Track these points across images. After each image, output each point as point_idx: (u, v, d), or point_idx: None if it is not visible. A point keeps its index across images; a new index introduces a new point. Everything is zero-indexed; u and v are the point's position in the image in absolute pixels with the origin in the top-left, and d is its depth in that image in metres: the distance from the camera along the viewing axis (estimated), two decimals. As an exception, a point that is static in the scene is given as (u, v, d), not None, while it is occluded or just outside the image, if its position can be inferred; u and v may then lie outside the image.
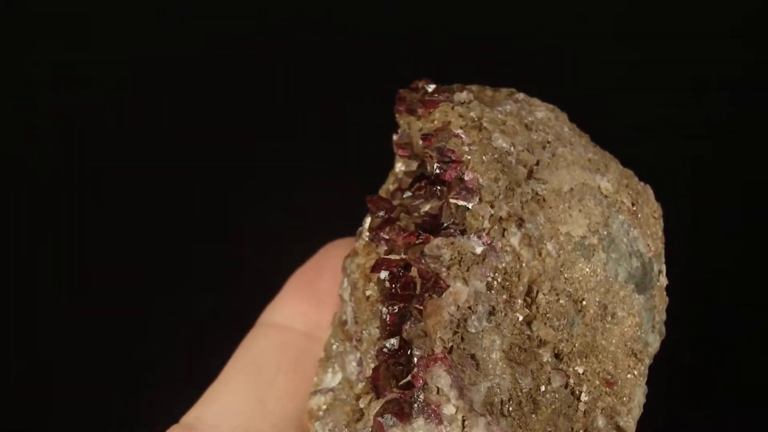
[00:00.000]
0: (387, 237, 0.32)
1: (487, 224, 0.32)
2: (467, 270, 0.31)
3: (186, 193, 0.64)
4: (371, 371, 0.31)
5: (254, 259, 0.59)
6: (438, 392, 0.30)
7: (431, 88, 0.35)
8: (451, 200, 0.32)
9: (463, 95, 0.35)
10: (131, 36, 0.68)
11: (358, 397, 0.32)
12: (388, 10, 0.40)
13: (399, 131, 0.35)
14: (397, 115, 0.36)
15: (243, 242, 0.55)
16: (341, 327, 0.35)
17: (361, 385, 0.32)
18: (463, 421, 0.30)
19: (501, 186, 0.33)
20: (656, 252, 0.35)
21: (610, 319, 0.33)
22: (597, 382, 0.33)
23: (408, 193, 0.34)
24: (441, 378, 0.30)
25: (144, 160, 0.65)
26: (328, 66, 0.63)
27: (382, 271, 0.31)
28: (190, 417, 0.37)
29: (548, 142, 0.35)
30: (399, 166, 0.35)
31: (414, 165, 0.34)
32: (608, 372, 0.33)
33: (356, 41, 0.53)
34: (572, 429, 0.32)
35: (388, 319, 0.31)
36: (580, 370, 0.32)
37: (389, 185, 0.35)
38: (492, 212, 0.32)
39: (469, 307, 0.31)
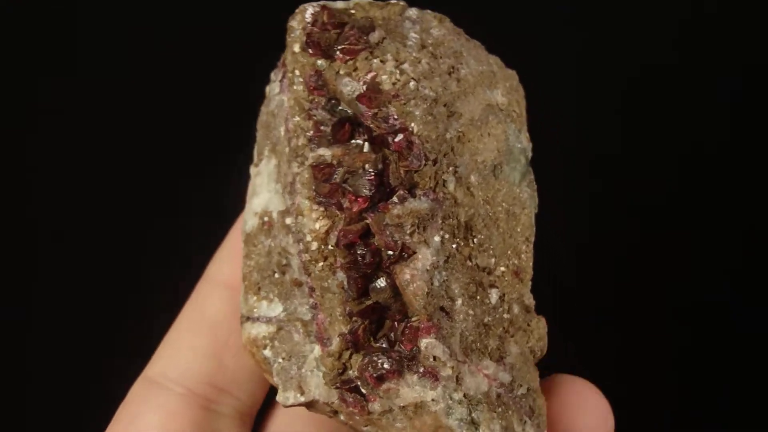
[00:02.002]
0: (335, 201, 0.33)
1: (432, 182, 0.34)
2: (424, 230, 0.33)
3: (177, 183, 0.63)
4: (348, 331, 0.33)
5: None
6: (434, 359, 0.32)
7: (337, 26, 0.35)
8: (402, 168, 0.33)
9: (376, 35, 0.35)
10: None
11: (339, 354, 0.33)
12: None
13: (312, 73, 0.35)
14: (303, 52, 0.35)
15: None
16: (279, 268, 0.36)
17: (336, 341, 0.33)
18: (457, 376, 0.33)
19: (439, 140, 0.34)
20: (528, 138, 0.37)
21: (513, 219, 0.36)
22: (508, 278, 0.36)
23: (338, 148, 0.34)
24: (436, 348, 0.32)
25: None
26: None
27: (347, 242, 0.33)
28: (154, 372, 0.38)
29: (452, 68, 0.36)
30: (302, 94, 0.35)
31: (323, 100, 0.35)
32: (515, 264, 0.36)
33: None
34: (504, 329, 0.35)
35: (358, 282, 0.33)
36: (499, 273, 0.35)
37: (299, 117, 0.35)
38: (435, 169, 0.34)
39: (433, 266, 0.33)
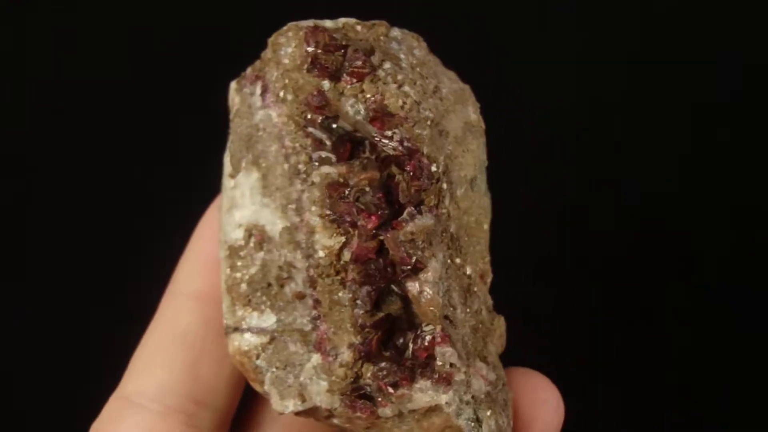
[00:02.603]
0: (348, 219, 0.35)
1: (435, 200, 0.36)
2: (431, 245, 0.35)
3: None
4: (361, 342, 0.34)
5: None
6: (451, 366, 0.34)
7: (339, 48, 0.35)
8: (413, 188, 0.35)
9: (376, 57, 0.36)
10: None
11: (350, 364, 0.34)
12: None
13: (315, 93, 0.35)
14: (306, 72, 0.36)
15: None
16: (277, 281, 0.36)
17: (348, 352, 0.35)
18: (468, 380, 0.35)
19: (442, 161, 0.36)
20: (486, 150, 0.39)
21: (479, 226, 0.38)
22: (477, 281, 0.38)
23: (342, 166, 0.35)
24: (453, 356, 0.34)
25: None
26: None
27: (364, 259, 0.34)
28: (130, 391, 0.38)
29: (436, 87, 0.37)
30: (296, 110, 0.36)
31: (319, 118, 0.36)
32: (481, 268, 0.38)
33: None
34: (480, 330, 0.37)
35: (372, 296, 0.34)
36: (471, 274, 0.37)
37: (296, 135, 0.36)
38: (438, 187, 0.36)
39: (440, 277, 0.35)
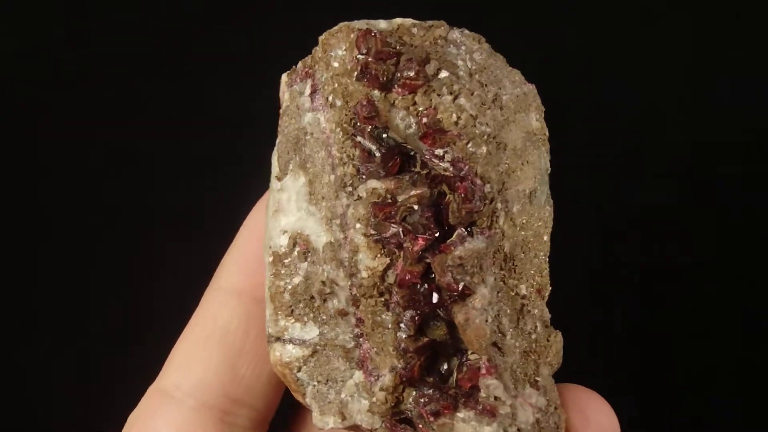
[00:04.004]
0: (394, 241, 0.33)
1: (489, 221, 0.34)
2: (481, 269, 0.33)
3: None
4: (403, 367, 0.33)
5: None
6: (495, 399, 0.33)
7: (392, 55, 0.34)
8: (464, 210, 0.33)
9: (432, 67, 0.34)
10: None
11: (390, 389, 0.33)
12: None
13: (365, 103, 0.34)
14: (355, 81, 0.34)
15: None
16: (320, 295, 0.35)
17: (390, 376, 0.33)
18: (513, 412, 0.34)
19: (496, 179, 0.34)
20: (549, 156, 0.38)
21: (538, 239, 0.36)
22: (533, 297, 0.36)
23: (390, 181, 0.34)
24: (498, 389, 0.33)
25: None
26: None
27: (409, 283, 0.33)
28: (167, 384, 0.38)
29: (496, 95, 0.35)
30: (345, 118, 0.35)
31: (368, 127, 0.34)
32: (538, 282, 0.36)
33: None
34: (534, 350, 0.36)
35: (416, 321, 0.33)
36: (528, 294, 0.36)
37: (344, 144, 0.34)
38: (492, 207, 0.34)
39: (489, 303, 0.33)
